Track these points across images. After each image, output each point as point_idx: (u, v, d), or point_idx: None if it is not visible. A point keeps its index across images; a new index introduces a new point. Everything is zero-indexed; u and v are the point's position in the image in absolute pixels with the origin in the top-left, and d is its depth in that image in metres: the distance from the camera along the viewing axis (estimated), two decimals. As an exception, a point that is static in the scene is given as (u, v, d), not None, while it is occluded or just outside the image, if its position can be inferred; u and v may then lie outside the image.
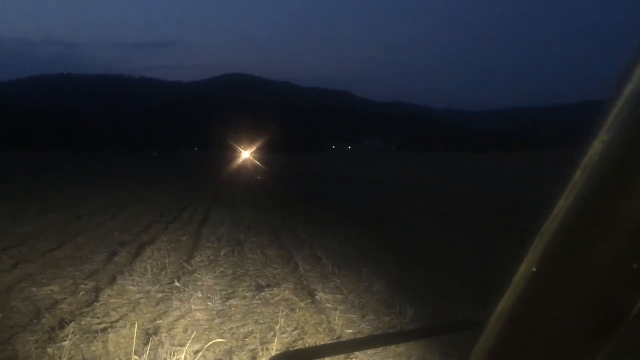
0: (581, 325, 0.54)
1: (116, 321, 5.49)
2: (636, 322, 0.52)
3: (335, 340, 4.96)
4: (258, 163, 59.65)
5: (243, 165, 57.22)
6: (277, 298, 6.35)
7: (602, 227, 0.49)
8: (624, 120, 0.47)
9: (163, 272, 7.50)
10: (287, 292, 6.59)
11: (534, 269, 0.56)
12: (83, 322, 5.42)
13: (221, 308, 5.98)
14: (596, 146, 0.50)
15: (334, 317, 5.62)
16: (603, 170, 0.49)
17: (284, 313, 5.70)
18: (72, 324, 5.31)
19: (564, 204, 0.53)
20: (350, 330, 5.31)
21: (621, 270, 0.49)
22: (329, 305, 6.09)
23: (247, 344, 4.91)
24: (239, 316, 5.71)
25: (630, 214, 0.47)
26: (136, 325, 5.16)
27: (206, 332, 5.22)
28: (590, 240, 0.50)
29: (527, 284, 0.57)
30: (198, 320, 5.58)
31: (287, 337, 5.08)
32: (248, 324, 5.46)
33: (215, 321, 5.56)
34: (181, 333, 5.18)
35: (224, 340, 4.98)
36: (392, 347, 4.64)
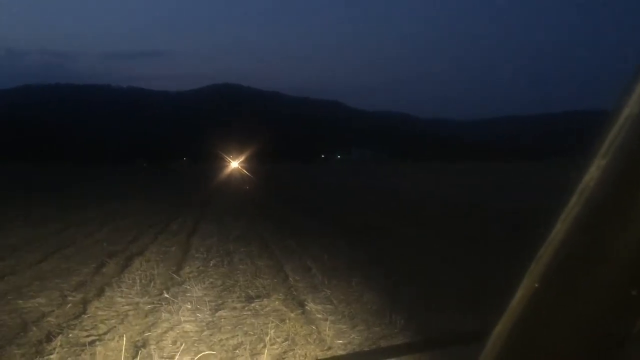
0: (579, 349, 0.55)
1: (104, 334, 5.43)
2: (632, 349, 0.53)
3: (328, 356, 4.95)
4: (247, 173, 59.44)
5: (232, 175, 56.99)
6: (267, 309, 6.33)
7: (599, 253, 0.50)
8: (621, 145, 0.48)
9: (152, 284, 7.45)
10: (277, 302, 6.56)
11: (531, 293, 0.57)
12: (71, 335, 5.36)
13: (211, 319, 5.94)
14: (592, 172, 0.51)
15: (324, 328, 5.60)
16: (600, 196, 0.50)
17: (274, 324, 5.68)
18: (59, 337, 5.25)
19: (561, 228, 0.53)
20: (340, 341, 5.29)
21: (617, 297, 0.50)
22: (319, 315, 6.08)
23: (237, 356, 4.88)
24: (229, 327, 5.67)
25: (628, 240, 0.47)
26: (124, 338, 5.12)
27: (195, 344, 5.18)
28: (588, 266, 0.51)
29: (525, 308, 0.58)
30: (187, 332, 5.54)
31: (277, 349, 5.05)
32: (238, 335, 5.42)
33: (205, 333, 5.52)
34: (170, 345, 5.14)
35: (214, 352, 4.94)
36: None
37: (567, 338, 0.55)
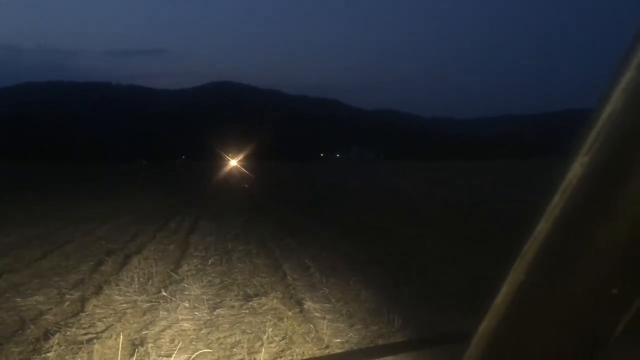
0: (562, 346, 0.55)
1: (102, 332, 5.43)
2: (617, 345, 0.53)
3: (324, 355, 4.95)
4: (246, 171, 59.45)
5: (231, 174, 57.01)
6: (265, 307, 6.33)
7: (581, 250, 0.50)
8: (603, 142, 0.48)
9: (150, 282, 7.45)
10: (275, 301, 6.56)
11: (515, 290, 0.57)
12: (68, 333, 5.36)
13: (208, 318, 5.94)
14: (575, 169, 0.50)
15: (322, 327, 5.60)
16: (582, 193, 0.50)
17: (272, 322, 5.68)
18: (57, 335, 5.25)
19: (544, 227, 0.53)
20: (338, 340, 5.29)
21: (601, 294, 0.50)
22: (317, 314, 6.08)
23: (235, 354, 4.88)
24: (227, 326, 5.67)
25: (610, 237, 0.47)
26: (122, 336, 5.12)
27: (193, 342, 5.18)
28: (570, 264, 0.51)
29: (509, 304, 0.58)
30: (185, 330, 5.54)
31: (275, 347, 5.05)
32: (235, 333, 5.42)
33: (203, 331, 5.52)
34: (168, 343, 5.14)
35: (211, 351, 4.94)
36: None
37: (550, 335, 0.55)
